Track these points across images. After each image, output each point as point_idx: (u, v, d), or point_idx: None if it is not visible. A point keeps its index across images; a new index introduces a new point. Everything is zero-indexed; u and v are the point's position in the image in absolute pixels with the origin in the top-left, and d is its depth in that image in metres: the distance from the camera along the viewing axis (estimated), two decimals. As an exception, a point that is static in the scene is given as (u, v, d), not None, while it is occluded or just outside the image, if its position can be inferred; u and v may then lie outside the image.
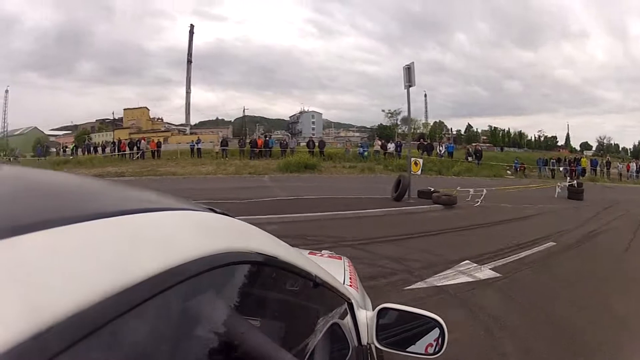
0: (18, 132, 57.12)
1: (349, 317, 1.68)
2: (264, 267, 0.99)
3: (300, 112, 68.47)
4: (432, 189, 14.15)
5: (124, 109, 62.95)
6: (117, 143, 37.80)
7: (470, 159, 33.71)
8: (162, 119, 65.32)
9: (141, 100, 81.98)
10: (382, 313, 1.70)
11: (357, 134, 65.46)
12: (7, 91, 53.85)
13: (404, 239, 8.52)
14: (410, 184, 13.67)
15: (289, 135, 52.26)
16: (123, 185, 0.93)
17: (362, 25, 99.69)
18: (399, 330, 1.71)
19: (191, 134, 52.70)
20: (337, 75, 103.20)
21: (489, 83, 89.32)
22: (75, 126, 64.12)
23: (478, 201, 14.59)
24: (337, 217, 10.48)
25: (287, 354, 1.02)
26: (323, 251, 3.12)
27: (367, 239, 8.32)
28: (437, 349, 1.65)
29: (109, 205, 0.70)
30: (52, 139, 56.82)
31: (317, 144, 34.29)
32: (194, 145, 34.71)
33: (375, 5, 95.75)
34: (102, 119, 64.21)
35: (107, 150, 37.89)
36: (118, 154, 34.64)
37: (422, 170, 15.28)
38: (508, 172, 33.18)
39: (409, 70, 14.73)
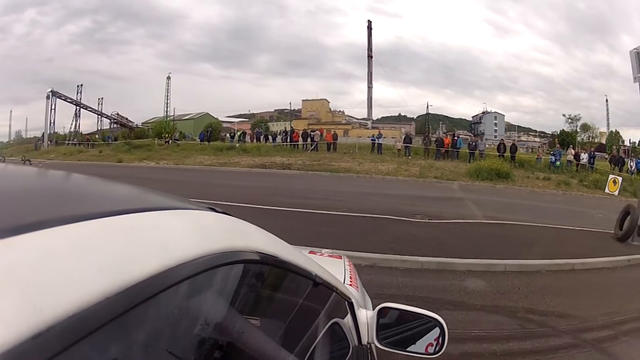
0: (188, 117, 65.51)
1: (349, 317, 1.82)
2: (264, 266, 1.06)
3: (483, 113, 69.11)
4: None
5: (303, 100, 68.91)
6: (289, 132, 39.36)
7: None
8: (343, 112, 69.78)
9: (322, 93, 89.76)
10: (382, 312, 1.83)
11: (537, 139, 64.91)
12: (168, 78, 64.10)
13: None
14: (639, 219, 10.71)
15: (471, 135, 52.83)
16: (123, 185, 1.02)
17: (534, 24, 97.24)
18: (399, 329, 1.84)
19: (373, 128, 54.97)
20: (515, 76, 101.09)
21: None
22: (253, 114, 72.31)
23: None
24: (552, 270, 8.25)
25: (287, 354, 1.12)
26: (323, 250, 3.23)
27: (603, 325, 5.83)
28: (437, 349, 1.78)
29: (108, 205, 0.78)
30: (226, 125, 63.25)
31: (508, 147, 32.66)
32: (375, 140, 34.94)
33: (545, 2, 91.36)
34: (281, 109, 71.37)
35: (278, 139, 39.59)
36: (290, 144, 36.21)
37: (619, 190, 13.30)
38: None
39: (638, 55, 11.50)
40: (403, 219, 11.02)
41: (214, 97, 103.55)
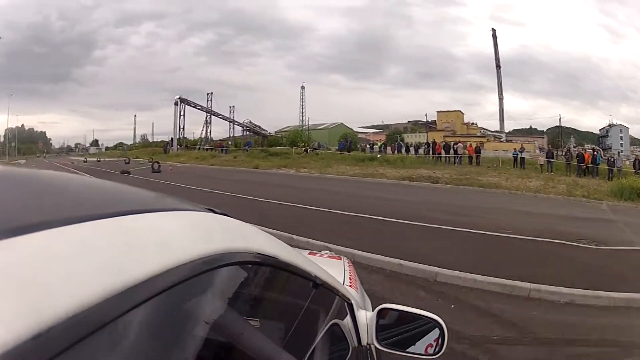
0: (322, 127, 69.85)
1: (348, 318, 1.90)
2: (263, 267, 1.14)
3: (609, 125, 67.68)
4: None
5: (438, 112, 72.10)
6: (431, 144, 40.78)
7: None
8: (476, 124, 71.42)
9: (453, 104, 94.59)
10: (382, 313, 1.92)
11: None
12: (302, 87, 70.17)
13: None
14: None
15: (600, 150, 51.16)
16: (122, 186, 1.08)
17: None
18: (398, 330, 1.93)
19: (507, 141, 55.87)
20: (636, 85, 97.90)
21: None
22: (386, 125, 76.33)
23: None
24: None
25: (286, 355, 1.20)
26: (323, 251, 3.36)
27: None
28: (437, 349, 1.86)
29: (108, 206, 0.82)
30: (361, 135, 66.45)
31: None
32: (517, 154, 36.33)
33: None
34: (415, 121, 75.03)
35: (421, 151, 41.24)
36: (432, 157, 37.55)
37: None
38: None
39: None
40: (568, 243, 10.54)
41: (345, 107, 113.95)
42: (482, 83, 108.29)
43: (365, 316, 2.05)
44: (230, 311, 0.98)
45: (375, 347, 1.97)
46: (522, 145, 40.24)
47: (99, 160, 57.47)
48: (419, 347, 1.90)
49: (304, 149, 47.75)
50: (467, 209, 15.34)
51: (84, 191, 0.99)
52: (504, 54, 75.88)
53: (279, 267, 1.21)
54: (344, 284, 2.45)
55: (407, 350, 1.92)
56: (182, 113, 66.04)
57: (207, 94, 68.72)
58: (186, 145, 63.12)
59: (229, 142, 61.67)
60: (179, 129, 65.94)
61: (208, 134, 67.87)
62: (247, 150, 50.51)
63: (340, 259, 3.21)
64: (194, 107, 66.57)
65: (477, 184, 25.79)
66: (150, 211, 0.84)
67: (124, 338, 0.57)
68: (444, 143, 40.62)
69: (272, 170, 34.15)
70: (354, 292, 2.33)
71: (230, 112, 68.88)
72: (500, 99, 66.92)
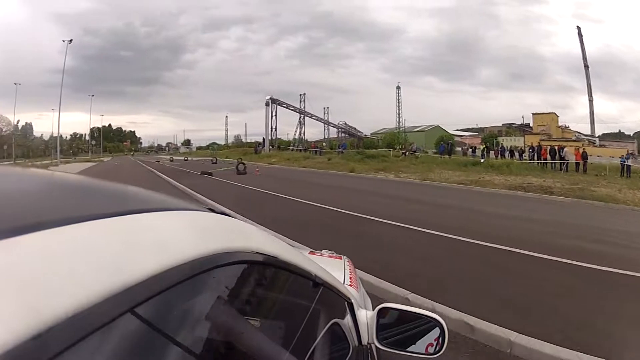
0: (418, 129, 70.55)
1: (349, 317, 1.95)
2: (263, 267, 1.15)
3: None
4: None
5: (533, 114, 71.97)
6: (536, 149, 38.91)
7: None
8: (568, 127, 70.02)
9: (546, 106, 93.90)
10: (382, 313, 1.96)
11: None
12: (398, 87, 72.61)
13: None
14: None
15: None
16: (121, 186, 1.09)
17: None
18: (399, 330, 1.96)
19: (600, 146, 54.81)
20: None
21: None
22: (481, 128, 76.53)
23: None
24: None
25: (287, 354, 1.20)
26: (323, 251, 3.33)
27: None
28: (437, 349, 1.89)
29: (107, 206, 0.83)
30: (457, 138, 66.25)
31: None
32: (624, 161, 32.99)
33: None
34: (509, 123, 75.04)
35: (525, 156, 40.00)
36: (537, 162, 35.80)
37: None
38: None
39: None
40: None
41: (439, 110, 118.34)
42: (572, 85, 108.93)
43: (366, 315, 2.06)
44: (230, 311, 1.00)
45: (376, 346, 2.00)
46: (628, 151, 38.76)
47: (186, 160, 59.41)
48: (420, 346, 1.92)
49: (402, 151, 47.40)
50: (603, 233, 11.46)
51: (83, 191, 1.02)
52: (591, 53, 74.80)
53: (279, 266, 1.24)
54: (344, 283, 2.48)
55: (408, 349, 1.93)
56: (273, 114, 68.05)
57: (300, 95, 70.54)
58: (278, 145, 64.45)
59: (323, 144, 62.16)
60: (271, 130, 67.75)
61: (301, 135, 69.77)
62: (341, 152, 49.86)
63: (341, 258, 3.19)
64: (286, 107, 68.38)
65: (595, 197, 21.03)
66: (150, 211, 0.87)
67: (123, 338, 0.59)
68: (549, 147, 38.11)
69: (369, 175, 31.85)
70: (354, 292, 2.35)
71: (324, 113, 70.44)
72: (590, 101, 65.73)
